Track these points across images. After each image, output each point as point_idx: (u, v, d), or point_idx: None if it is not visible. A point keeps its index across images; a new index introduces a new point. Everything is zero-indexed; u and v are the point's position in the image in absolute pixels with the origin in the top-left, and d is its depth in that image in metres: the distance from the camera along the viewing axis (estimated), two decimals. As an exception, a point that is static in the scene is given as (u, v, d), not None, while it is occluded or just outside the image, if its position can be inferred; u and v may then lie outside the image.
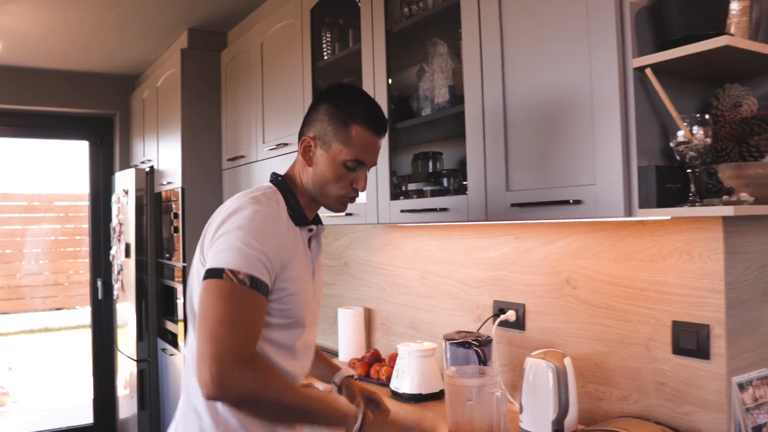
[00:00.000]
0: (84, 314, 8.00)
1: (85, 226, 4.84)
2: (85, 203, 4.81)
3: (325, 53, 2.56)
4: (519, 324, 2.09)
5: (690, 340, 1.61)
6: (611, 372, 1.80)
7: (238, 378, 1.14)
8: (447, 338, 2.06)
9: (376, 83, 2.15)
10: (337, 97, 1.41)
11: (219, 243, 1.25)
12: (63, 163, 6.42)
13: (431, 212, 1.90)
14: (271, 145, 2.84)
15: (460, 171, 2.06)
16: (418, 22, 2.01)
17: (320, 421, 1.28)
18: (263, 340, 1.32)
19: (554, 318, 1.98)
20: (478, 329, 2.18)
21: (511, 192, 1.66)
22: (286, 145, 2.73)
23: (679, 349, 1.63)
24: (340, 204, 1.46)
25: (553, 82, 1.53)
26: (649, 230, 1.70)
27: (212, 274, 1.22)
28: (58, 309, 8.18)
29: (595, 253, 1.85)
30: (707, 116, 1.32)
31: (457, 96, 1.91)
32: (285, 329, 1.36)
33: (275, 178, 1.45)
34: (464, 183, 1.98)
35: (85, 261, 7.25)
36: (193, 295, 1.36)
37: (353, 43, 2.46)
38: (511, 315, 2.11)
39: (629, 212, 1.37)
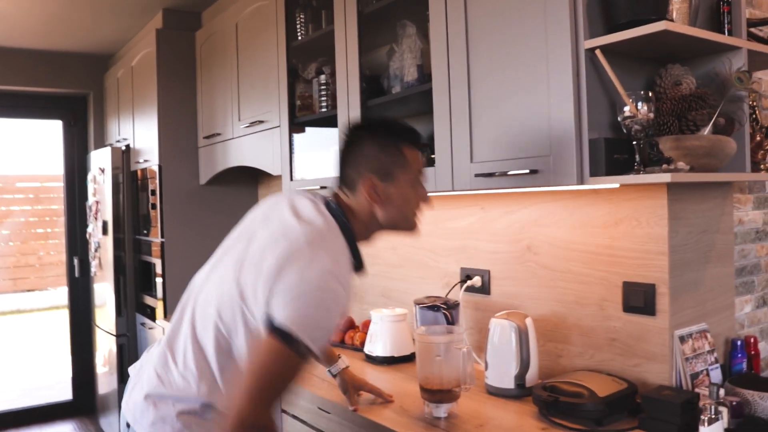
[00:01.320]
0: (56, 295, 8.01)
1: (56, 207, 4.86)
2: (56, 184, 4.83)
3: (299, 34, 2.65)
4: (484, 289, 2.24)
5: (638, 299, 1.76)
6: (568, 331, 1.96)
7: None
8: (417, 302, 2.20)
9: (348, 63, 2.25)
10: (376, 133, 1.45)
11: (300, 304, 1.23)
12: (32, 144, 6.40)
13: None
14: (247, 123, 2.93)
15: (429, 146, 2.18)
16: (388, 4, 2.12)
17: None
18: None
19: (517, 283, 2.13)
20: (446, 294, 2.32)
21: (475, 164, 1.79)
22: (261, 122, 2.82)
23: (628, 307, 1.78)
24: (415, 224, 1.50)
25: (514, 60, 1.66)
26: (603, 199, 1.85)
27: (283, 337, 1.22)
28: (29, 291, 8.17)
29: (554, 221, 2.00)
30: (650, 93, 1.46)
31: (425, 74, 2.02)
32: None
33: (337, 214, 1.40)
34: (432, 156, 2.10)
35: (56, 242, 7.26)
36: (224, 303, 1.35)
37: (326, 24, 2.55)
38: (477, 281, 2.25)
39: (581, 180, 1.51)
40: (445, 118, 1.87)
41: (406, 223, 1.46)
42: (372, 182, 1.40)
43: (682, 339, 1.71)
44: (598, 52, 1.45)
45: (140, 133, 3.83)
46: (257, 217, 1.48)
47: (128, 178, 3.99)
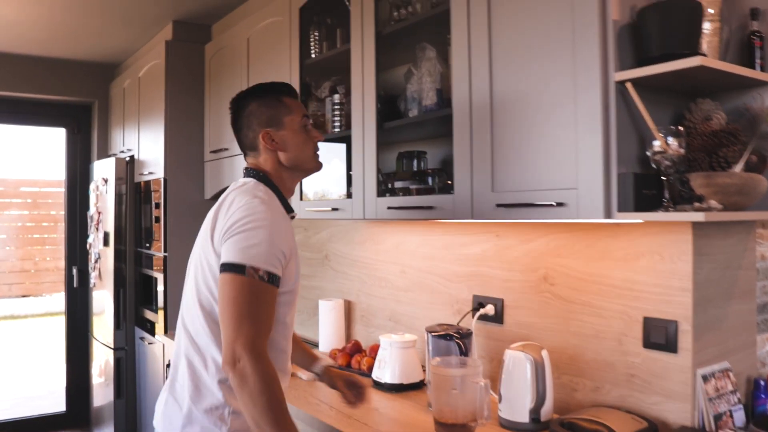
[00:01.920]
0: (52, 301, 7.92)
1: (55, 212, 4.80)
2: (55, 189, 4.77)
3: (312, 51, 2.62)
4: (497, 318, 2.19)
5: (659, 335, 1.72)
6: (585, 364, 1.91)
7: (254, 369, 1.33)
8: (429, 330, 2.15)
9: (365, 83, 2.22)
10: (256, 93, 1.66)
11: (238, 239, 1.42)
12: (34, 150, 6.35)
13: (418, 210, 1.98)
14: (257, 139, 2.89)
15: (444, 170, 2.15)
16: (408, 26, 2.09)
17: None
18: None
19: (531, 313, 2.08)
20: (458, 322, 2.27)
21: (496, 193, 1.75)
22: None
23: (649, 343, 1.74)
24: (317, 160, 1.70)
25: (539, 92, 1.62)
26: (624, 232, 1.81)
27: (234, 269, 1.39)
28: (24, 296, 8.09)
29: (572, 252, 1.96)
30: (681, 128, 1.42)
31: (444, 99, 1.99)
32: (284, 306, 1.54)
33: (256, 175, 1.62)
34: (449, 182, 2.07)
35: (53, 248, 7.19)
36: (199, 280, 1.53)
37: (341, 42, 2.52)
38: (489, 309, 2.21)
39: (608, 215, 1.47)
40: (465, 145, 1.83)
41: (308, 162, 1.66)
42: (267, 133, 1.60)
43: (705, 378, 1.67)
44: (629, 85, 1.42)
45: (146, 144, 3.79)
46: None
47: (131, 190, 3.95)
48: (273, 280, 1.42)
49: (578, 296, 1.94)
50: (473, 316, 2.23)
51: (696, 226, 1.64)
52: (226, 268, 1.41)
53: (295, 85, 2.62)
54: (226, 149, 3.21)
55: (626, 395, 1.80)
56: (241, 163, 3.04)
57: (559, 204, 1.56)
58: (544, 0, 1.60)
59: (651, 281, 1.75)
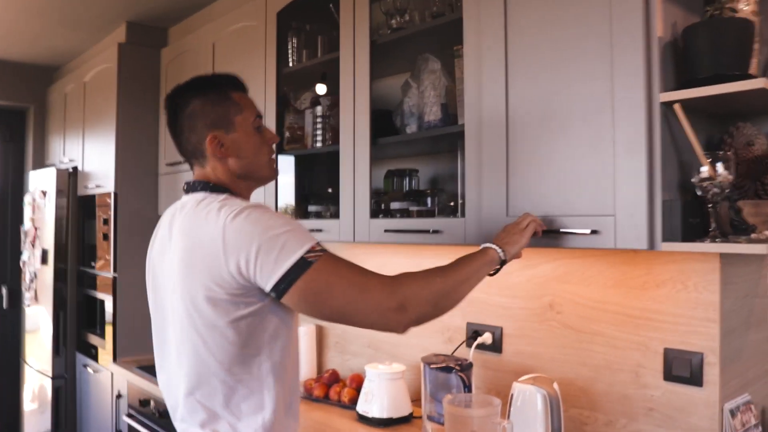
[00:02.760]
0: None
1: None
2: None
3: (290, 60, 2.45)
4: (495, 347, 2.07)
5: (683, 368, 1.63)
6: (597, 397, 1.81)
7: (408, 304, 1.21)
8: (427, 362, 2.00)
9: (356, 95, 2.06)
10: (198, 88, 1.38)
11: (268, 248, 1.16)
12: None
13: (421, 234, 1.84)
14: (224, 152, 2.67)
15: (444, 190, 2.01)
16: (407, 35, 1.95)
17: (478, 276, 1.42)
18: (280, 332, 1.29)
19: (535, 342, 1.97)
20: (453, 352, 2.13)
21: (511, 218, 1.63)
22: (242, 153, 2.58)
23: (671, 376, 1.65)
24: (273, 168, 1.46)
25: (567, 109, 1.51)
26: (642, 259, 1.72)
27: (297, 271, 1.16)
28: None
29: (582, 278, 1.86)
30: (729, 153, 1.34)
31: (449, 114, 1.86)
32: (290, 320, 1.33)
33: (210, 187, 1.34)
34: (451, 204, 1.93)
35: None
36: (204, 336, 1.25)
37: (322, 51, 2.36)
38: (487, 338, 2.08)
39: (652, 245, 1.37)
40: (476, 165, 1.70)
41: (262, 170, 1.42)
42: (215, 137, 1.33)
43: (732, 413, 1.59)
44: (677, 107, 1.32)
45: (91, 155, 3.49)
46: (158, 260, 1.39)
47: (75, 204, 3.63)
48: (325, 247, 1.22)
49: (589, 325, 1.84)
50: (470, 346, 2.10)
51: (724, 254, 1.57)
52: (287, 280, 1.16)
53: (272, 95, 2.44)
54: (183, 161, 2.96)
55: (644, 430, 1.70)
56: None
57: (594, 232, 1.45)
58: (574, 11, 1.49)
59: (673, 311, 1.67)
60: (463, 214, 1.76)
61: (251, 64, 2.55)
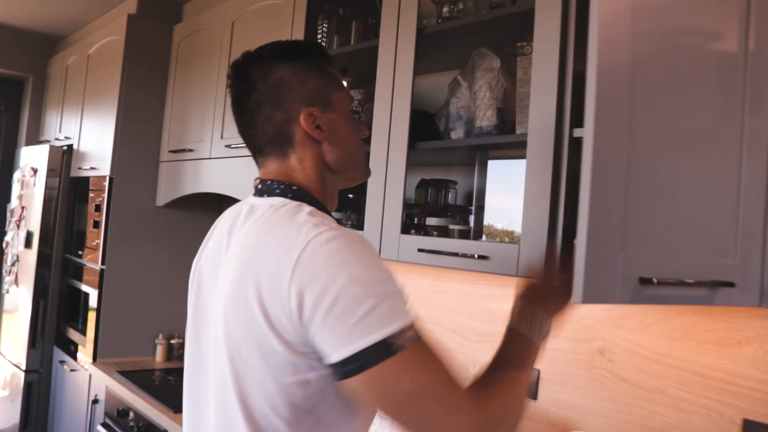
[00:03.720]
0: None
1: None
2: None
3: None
4: (530, 392, 1.80)
5: (766, 446, 1.37)
6: (651, 466, 1.55)
7: (499, 427, 0.94)
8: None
9: (395, 90, 1.79)
10: (288, 54, 1.07)
11: (346, 310, 0.84)
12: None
13: (464, 258, 1.57)
14: (232, 143, 2.41)
15: (483, 208, 1.74)
16: (461, 26, 1.69)
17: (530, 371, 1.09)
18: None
19: (578, 391, 1.70)
20: (480, 393, 1.86)
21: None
22: (255, 145, 2.31)
23: (749, 454, 1.39)
24: (367, 166, 1.19)
25: (685, 133, 1.24)
26: (720, 309, 1.46)
27: (375, 356, 0.84)
28: None
29: (642, 325, 1.59)
30: None
31: (506, 121, 1.60)
32: None
33: (293, 191, 1.04)
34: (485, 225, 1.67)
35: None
36: (248, 382, 0.94)
37: (356, 39, 2.10)
38: (521, 380, 1.81)
39: (760, 301, 1.10)
40: (544, 185, 1.43)
41: (358, 166, 1.14)
42: (311, 114, 1.04)
43: (824, 507, 1.32)
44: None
45: (89, 133, 3.21)
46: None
47: (66, 185, 3.35)
48: (420, 330, 0.90)
49: (647, 380, 1.57)
50: (500, 387, 1.83)
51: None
52: (358, 362, 0.84)
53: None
54: (190, 150, 2.70)
55: None
56: (211, 168, 2.55)
57: (725, 284, 1.11)
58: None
59: (756, 375, 1.40)
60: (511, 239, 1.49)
61: (274, 47, 2.29)
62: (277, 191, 1.04)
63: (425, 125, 1.82)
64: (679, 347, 1.53)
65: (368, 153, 1.20)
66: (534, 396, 1.79)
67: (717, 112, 1.08)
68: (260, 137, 1.07)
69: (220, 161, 2.49)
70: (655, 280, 0.97)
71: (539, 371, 1.79)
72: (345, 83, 1.17)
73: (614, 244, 0.95)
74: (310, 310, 0.85)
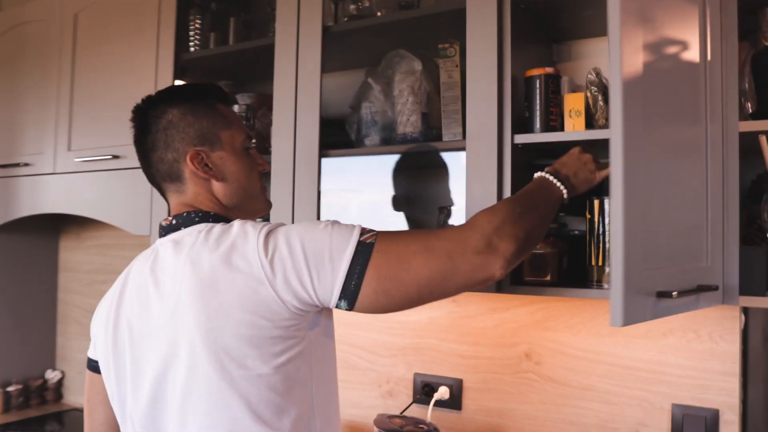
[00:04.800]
0: None
1: None
2: None
3: (192, 44, 1.95)
4: (454, 403, 1.76)
5: (695, 426, 1.46)
6: (587, 462, 1.58)
7: (495, 237, 0.99)
8: (381, 426, 1.63)
9: (300, 95, 1.64)
10: (178, 96, 1.16)
11: (315, 257, 0.96)
12: None
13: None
14: (87, 156, 2.07)
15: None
16: (374, 25, 1.59)
17: (549, 209, 1.15)
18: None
19: (506, 397, 1.70)
20: (404, 411, 1.78)
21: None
22: (116, 157, 2.00)
23: (680, 436, 1.47)
24: (266, 199, 1.23)
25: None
26: (645, 303, 1.53)
27: (361, 260, 0.96)
28: None
29: (568, 325, 1.62)
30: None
31: (431, 127, 1.53)
32: (329, 339, 1.11)
33: (212, 216, 1.09)
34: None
35: None
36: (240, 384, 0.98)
37: (234, 39, 1.91)
38: (444, 392, 1.76)
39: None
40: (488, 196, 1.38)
41: (255, 200, 1.19)
42: (198, 153, 1.10)
43: (750, 478, 1.44)
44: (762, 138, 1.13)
45: None
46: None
47: None
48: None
49: (576, 378, 1.61)
50: (422, 402, 1.77)
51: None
52: (354, 275, 0.95)
53: (165, 85, 1.91)
54: (25, 164, 2.27)
55: (646, 500, 1.50)
56: (56, 185, 2.17)
57: (709, 287, 1.10)
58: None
59: (682, 363, 1.49)
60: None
61: (134, 45, 2.00)
62: (197, 219, 1.08)
63: (332, 132, 1.69)
64: (608, 343, 1.57)
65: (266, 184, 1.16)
66: (458, 407, 1.75)
67: (689, 119, 1.11)
68: (156, 175, 1.14)
69: (69, 177, 2.12)
70: (674, 293, 0.95)
71: (462, 380, 1.76)
72: (237, 112, 1.30)
73: (640, 261, 0.93)
74: (302, 283, 0.95)
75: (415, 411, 1.77)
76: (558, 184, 1.16)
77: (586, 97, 1.37)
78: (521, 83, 1.42)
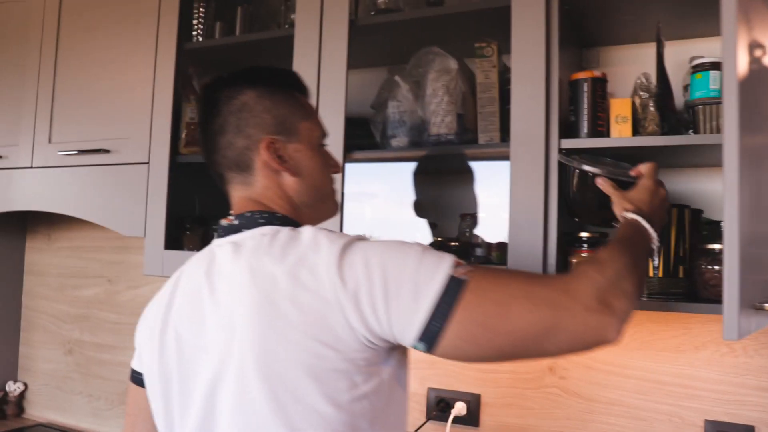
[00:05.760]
0: None
1: None
2: None
3: (195, 33, 1.82)
4: (471, 419, 1.69)
5: (729, 444, 1.43)
6: (614, 479, 1.53)
7: (607, 295, 0.83)
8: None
9: (321, 93, 1.54)
10: (256, 79, 1.03)
11: (396, 285, 0.82)
12: None
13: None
14: (71, 150, 1.90)
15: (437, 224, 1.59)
16: (404, 20, 1.51)
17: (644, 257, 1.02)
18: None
19: (526, 413, 1.64)
20: (418, 429, 1.69)
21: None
22: (106, 152, 1.85)
23: (713, 454, 1.44)
24: (337, 202, 1.13)
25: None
26: (677, 317, 1.50)
27: (449, 298, 0.81)
28: None
29: (596, 337, 1.57)
30: None
31: (466, 128, 1.46)
32: (404, 357, 0.95)
33: (278, 218, 0.98)
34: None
35: None
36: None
37: (241, 30, 1.80)
38: (461, 408, 1.69)
39: None
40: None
41: (327, 200, 1.09)
42: (272, 143, 0.99)
43: (784, 496, 1.41)
44: None
45: None
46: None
47: None
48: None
49: (603, 393, 1.56)
50: (440, 419, 1.69)
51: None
52: (439, 314, 0.80)
53: (165, 80, 1.78)
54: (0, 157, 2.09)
55: None
56: (34, 180, 2.00)
57: None
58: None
59: (715, 377, 1.46)
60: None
61: (129, 33, 1.86)
62: (261, 221, 0.97)
63: (355, 131, 1.60)
64: (636, 357, 1.53)
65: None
66: (476, 423, 1.68)
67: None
68: (221, 162, 1.02)
69: (49, 172, 1.95)
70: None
71: (480, 395, 1.69)
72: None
73: (747, 272, 0.88)
74: (375, 312, 0.82)
75: (431, 429, 1.69)
76: (651, 231, 1.03)
77: (633, 103, 1.33)
78: (565, 87, 1.37)
